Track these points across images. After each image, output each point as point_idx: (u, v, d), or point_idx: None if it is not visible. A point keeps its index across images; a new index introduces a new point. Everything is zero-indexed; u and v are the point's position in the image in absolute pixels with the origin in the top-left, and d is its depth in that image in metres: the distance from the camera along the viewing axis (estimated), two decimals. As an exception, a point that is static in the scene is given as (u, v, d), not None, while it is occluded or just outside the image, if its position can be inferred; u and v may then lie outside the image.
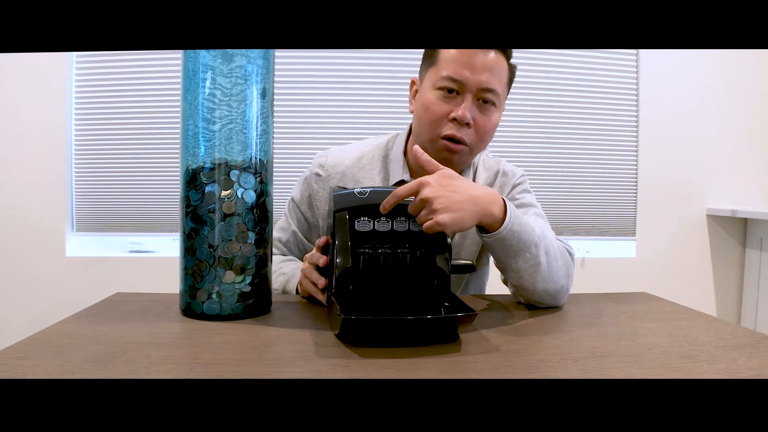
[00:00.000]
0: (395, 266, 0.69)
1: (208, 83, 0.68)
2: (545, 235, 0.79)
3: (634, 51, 2.13)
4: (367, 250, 0.69)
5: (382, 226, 0.70)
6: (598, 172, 2.15)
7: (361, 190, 0.73)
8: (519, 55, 2.31)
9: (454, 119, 0.86)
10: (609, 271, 2.08)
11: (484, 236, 0.74)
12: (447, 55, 0.88)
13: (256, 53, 0.70)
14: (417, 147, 0.76)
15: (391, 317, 0.61)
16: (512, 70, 0.93)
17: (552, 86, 2.09)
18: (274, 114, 0.75)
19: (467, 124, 0.86)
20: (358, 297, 0.68)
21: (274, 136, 0.76)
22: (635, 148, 2.15)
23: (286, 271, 0.93)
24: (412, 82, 0.97)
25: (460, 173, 0.95)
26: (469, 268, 0.75)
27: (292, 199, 1.03)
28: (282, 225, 1.04)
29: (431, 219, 0.67)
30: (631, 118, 2.14)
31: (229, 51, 0.68)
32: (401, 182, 0.94)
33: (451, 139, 0.87)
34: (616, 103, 2.13)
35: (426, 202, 0.67)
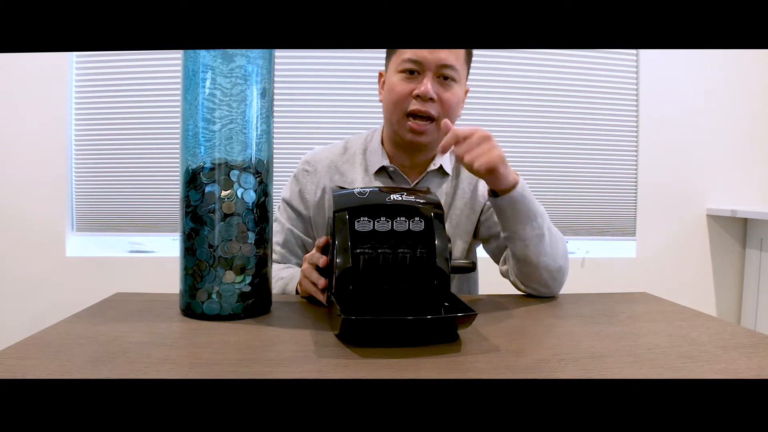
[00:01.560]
0: (395, 266, 0.69)
1: (208, 83, 0.68)
2: (547, 217, 0.87)
3: (634, 51, 2.13)
4: (366, 250, 0.69)
5: (382, 226, 0.70)
6: (598, 172, 2.15)
7: (361, 190, 0.73)
8: (519, 55, 2.30)
9: (418, 96, 0.91)
10: (609, 271, 2.08)
11: (497, 199, 0.82)
12: None
13: (256, 53, 0.70)
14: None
15: (391, 317, 0.61)
16: (469, 50, 0.99)
17: (552, 86, 2.09)
18: (274, 114, 0.75)
19: (431, 99, 0.91)
20: (358, 297, 0.68)
21: (274, 136, 0.76)
22: (635, 148, 2.15)
23: (284, 276, 0.94)
24: (380, 75, 1.02)
25: (433, 157, 1.02)
26: (469, 269, 0.77)
27: (283, 200, 1.06)
28: (276, 229, 1.04)
29: (488, 155, 0.79)
30: (631, 118, 2.14)
31: (229, 51, 0.68)
32: (382, 168, 1.00)
33: (416, 116, 0.92)
34: (616, 103, 2.13)
35: (486, 139, 0.80)
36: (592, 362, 0.54)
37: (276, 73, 0.75)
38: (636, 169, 2.15)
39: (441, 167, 1.01)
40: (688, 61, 2.14)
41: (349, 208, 0.70)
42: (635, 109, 2.14)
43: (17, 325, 1.89)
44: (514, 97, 2.09)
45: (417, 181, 1.00)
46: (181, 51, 0.71)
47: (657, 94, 2.13)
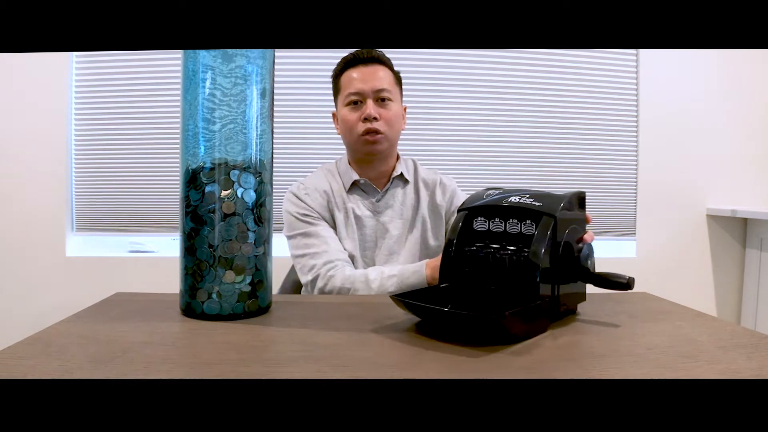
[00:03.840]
0: (495, 265, 0.71)
1: (208, 83, 0.68)
2: None
3: (634, 51, 2.13)
4: (473, 248, 0.73)
5: (497, 226, 0.72)
6: (598, 172, 2.15)
7: (491, 191, 0.77)
8: (519, 55, 2.30)
9: (365, 119, 1.13)
10: (609, 271, 2.07)
11: None
12: (345, 81, 1.17)
13: (256, 53, 0.70)
14: None
15: (421, 305, 0.64)
16: (396, 73, 1.20)
17: (552, 86, 2.10)
18: (274, 114, 0.75)
19: (375, 118, 1.13)
20: (455, 289, 0.72)
21: (274, 136, 0.76)
22: (635, 148, 2.15)
23: (394, 273, 1.04)
24: (333, 115, 1.26)
25: (393, 169, 1.22)
26: (624, 286, 0.73)
27: (294, 214, 1.16)
28: (303, 241, 1.12)
29: None
30: (631, 118, 2.14)
31: (229, 51, 0.68)
32: (354, 182, 1.19)
33: (367, 133, 1.13)
34: (616, 103, 2.13)
35: None
36: (592, 362, 0.54)
37: (276, 73, 0.75)
38: (636, 169, 2.15)
39: (402, 175, 1.20)
40: (688, 61, 2.14)
41: (470, 208, 0.75)
42: (635, 109, 2.14)
43: (17, 325, 1.89)
44: (514, 97, 2.09)
45: (385, 188, 1.20)
46: (181, 51, 0.71)
47: (657, 94, 2.13)
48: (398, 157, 1.24)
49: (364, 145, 1.15)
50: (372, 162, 1.19)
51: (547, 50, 2.05)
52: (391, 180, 1.20)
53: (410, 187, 1.22)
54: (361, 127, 1.13)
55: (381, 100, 1.14)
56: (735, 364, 0.53)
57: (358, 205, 1.18)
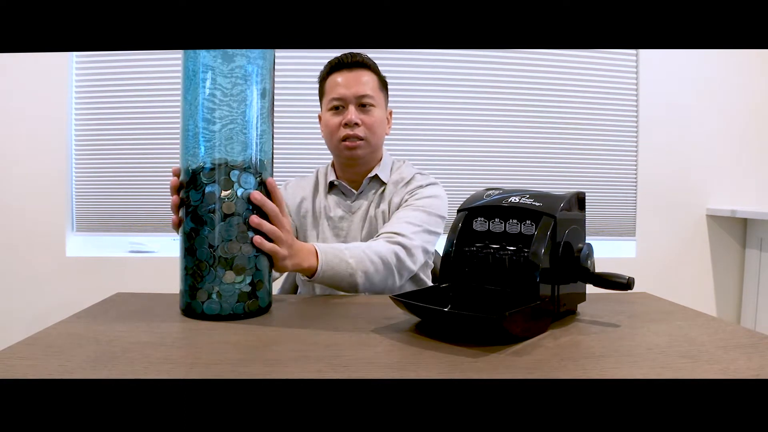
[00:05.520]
0: (495, 266, 0.71)
1: (208, 83, 0.68)
2: (363, 258, 0.94)
3: (634, 51, 2.13)
4: (473, 249, 0.73)
5: (496, 227, 0.73)
6: (598, 172, 2.15)
7: (491, 191, 0.77)
8: (519, 55, 2.30)
9: (346, 124, 1.14)
10: (609, 271, 2.07)
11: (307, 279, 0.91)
12: (329, 85, 1.17)
13: (256, 53, 0.70)
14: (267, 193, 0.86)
15: (423, 305, 0.64)
16: (381, 78, 1.21)
17: (552, 86, 2.10)
18: (274, 114, 0.75)
19: (356, 124, 1.13)
20: (455, 289, 0.72)
21: (274, 136, 0.76)
22: (635, 149, 2.15)
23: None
24: (319, 117, 1.24)
25: (371, 169, 1.21)
26: (624, 286, 0.72)
27: None
28: None
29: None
30: (631, 119, 2.14)
31: (229, 51, 0.68)
32: (331, 183, 1.22)
33: (347, 138, 1.14)
34: (616, 103, 2.13)
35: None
36: (592, 362, 0.54)
37: (276, 73, 0.75)
38: (636, 169, 2.15)
39: (377, 176, 1.21)
40: (687, 61, 2.14)
41: (470, 208, 0.75)
42: (635, 109, 2.14)
43: (17, 325, 1.90)
44: (514, 98, 2.09)
45: (360, 190, 1.21)
46: (181, 51, 0.71)
47: (657, 94, 2.13)
48: (380, 160, 1.24)
49: (344, 150, 1.16)
50: (352, 166, 1.21)
51: (546, 50, 2.05)
52: (366, 180, 1.21)
53: (383, 189, 1.22)
54: (342, 132, 1.14)
55: (363, 105, 1.15)
56: (735, 364, 0.53)
57: (333, 206, 1.21)
